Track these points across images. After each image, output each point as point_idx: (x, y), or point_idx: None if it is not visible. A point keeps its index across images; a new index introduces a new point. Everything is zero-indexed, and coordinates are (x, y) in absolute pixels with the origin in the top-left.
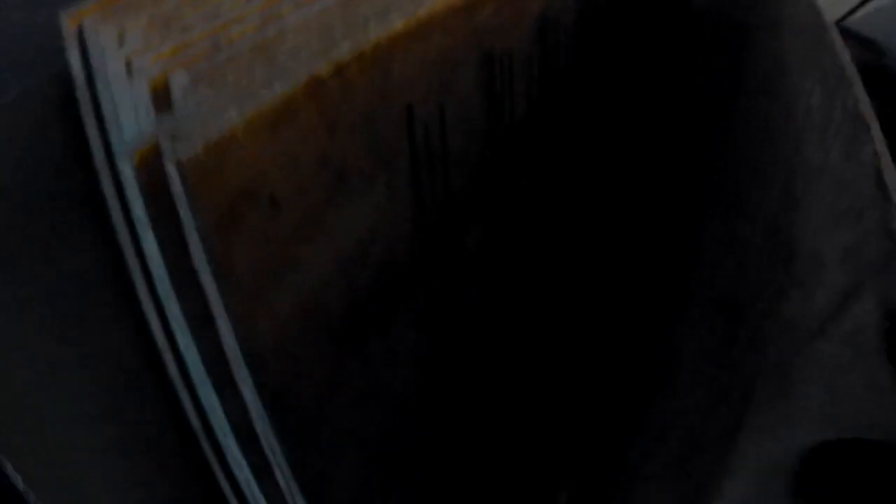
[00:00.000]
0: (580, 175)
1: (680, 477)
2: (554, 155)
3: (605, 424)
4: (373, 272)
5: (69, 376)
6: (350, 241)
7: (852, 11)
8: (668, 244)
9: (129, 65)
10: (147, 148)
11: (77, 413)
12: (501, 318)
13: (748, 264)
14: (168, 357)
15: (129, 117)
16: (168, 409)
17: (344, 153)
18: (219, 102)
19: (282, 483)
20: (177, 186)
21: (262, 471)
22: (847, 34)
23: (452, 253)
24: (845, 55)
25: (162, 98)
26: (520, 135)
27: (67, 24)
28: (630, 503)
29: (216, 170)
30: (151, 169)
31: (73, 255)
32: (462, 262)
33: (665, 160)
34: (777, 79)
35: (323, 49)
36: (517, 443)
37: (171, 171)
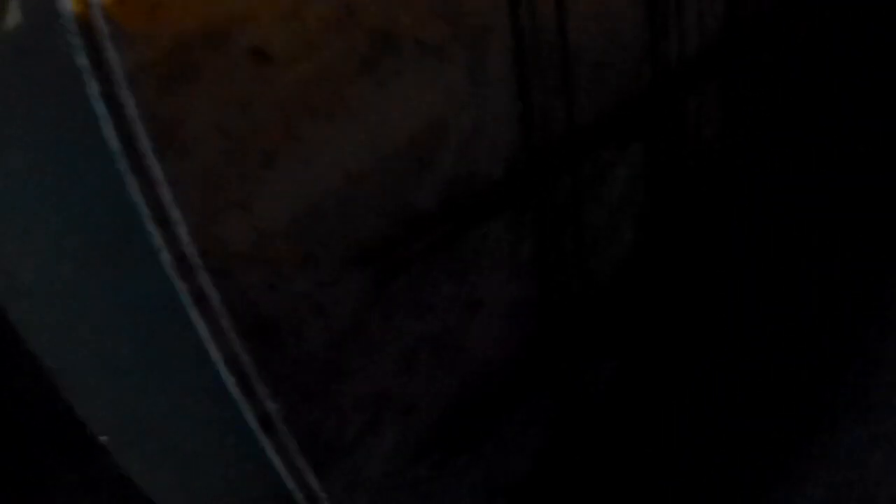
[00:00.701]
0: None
1: None
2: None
3: None
4: (440, 188)
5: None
6: (400, 136)
7: None
8: None
9: None
10: None
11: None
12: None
13: None
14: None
15: None
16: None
17: (390, 10)
18: None
19: (289, 446)
20: (100, 16)
21: (267, 425)
22: None
23: (574, 179)
24: None
25: None
26: (695, 69)
27: None
28: None
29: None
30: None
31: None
32: (589, 195)
33: None
34: None
35: None
36: None
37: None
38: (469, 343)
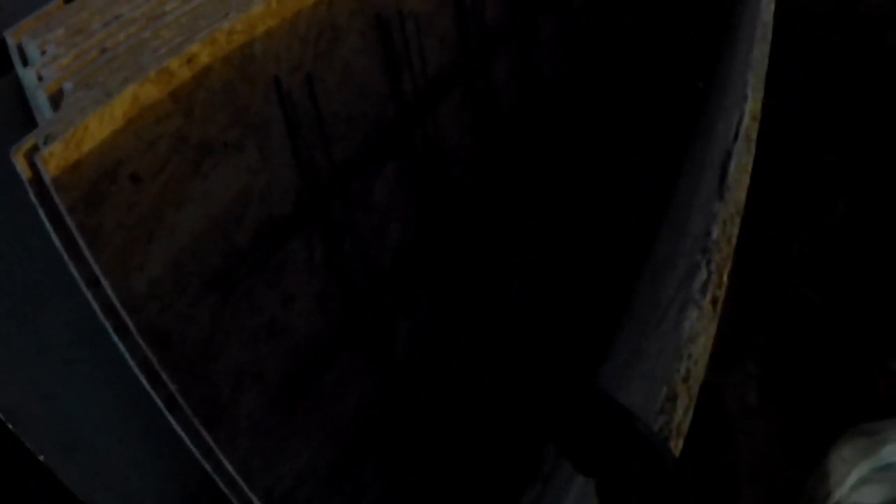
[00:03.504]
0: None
1: None
2: (472, 118)
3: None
4: (252, 228)
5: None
6: (222, 203)
7: None
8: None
9: (39, 75)
10: (27, 147)
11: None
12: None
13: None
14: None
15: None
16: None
17: (204, 129)
18: (84, 102)
19: (188, 412)
20: (45, 177)
21: (171, 404)
22: None
23: (349, 209)
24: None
25: (57, 102)
26: (430, 96)
27: (10, 40)
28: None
29: (75, 160)
30: (31, 164)
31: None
32: (362, 216)
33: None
34: None
35: (179, 43)
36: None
37: (41, 165)
38: (291, 326)
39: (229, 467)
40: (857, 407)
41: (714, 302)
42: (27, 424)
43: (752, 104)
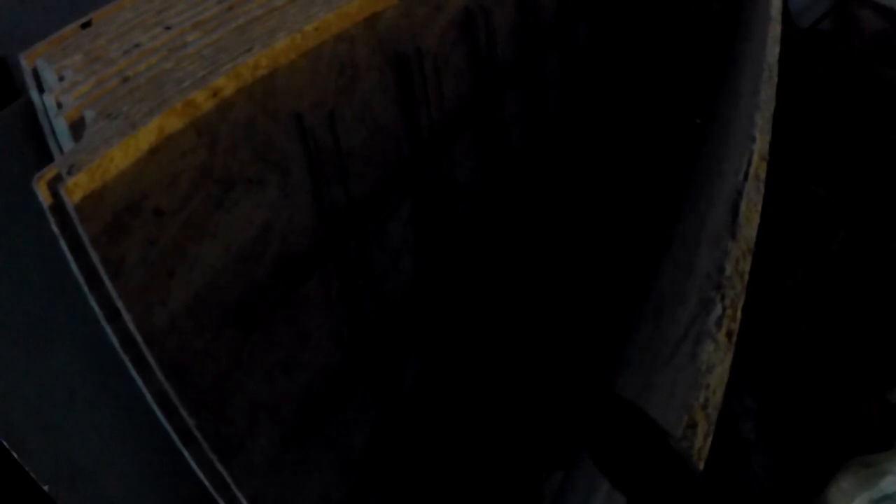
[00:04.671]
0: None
1: None
2: (485, 157)
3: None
4: (272, 264)
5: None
6: (243, 240)
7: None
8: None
9: (58, 101)
10: (51, 176)
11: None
12: (419, 311)
13: (677, 267)
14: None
15: (65, 146)
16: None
17: (227, 164)
18: (108, 132)
19: (205, 450)
20: (70, 208)
21: (187, 438)
22: (867, 4)
23: (366, 247)
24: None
25: (78, 130)
26: (443, 138)
27: (25, 63)
28: None
29: (100, 191)
30: (54, 193)
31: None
32: (380, 256)
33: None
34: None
35: (203, 75)
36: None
37: (64, 195)
38: (306, 362)
39: (244, 502)
40: (853, 438)
41: (729, 335)
42: (32, 454)
43: (761, 144)
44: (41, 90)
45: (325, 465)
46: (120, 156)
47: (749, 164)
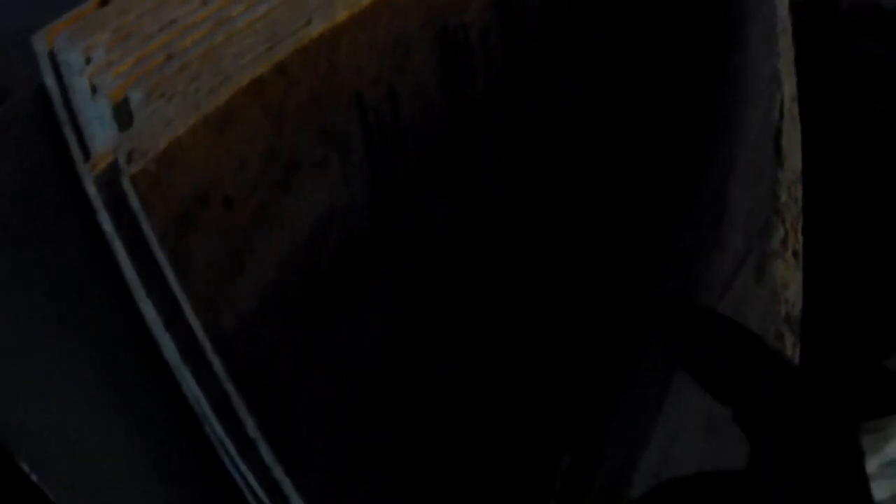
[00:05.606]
0: (551, 154)
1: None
2: (523, 132)
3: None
4: (333, 253)
5: (70, 368)
6: (307, 226)
7: None
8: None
9: (92, 83)
10: (105, 165)
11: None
12: (473, 291)
13: (700, 225)
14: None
15: (99, 133)
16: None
17: (293, 145)
18: (168, 113)
19: (265, 457)
20: (133, 200)
21: (245, 446)
22: None
23: (416, 227)
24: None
25: (123, 113)
26: (485, 111)
27: (40, 45)
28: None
29: (169, 180)
30: (110, 184)
31: (67, 257)
32: (428, 236)
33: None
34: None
35: (265, 50)
36: (505, 410)
37: (127, 186)
38: (363, 353)
39: None
40: (857, 405)
41: (795, 255)
42: (49, 472)
43: (788, 87)
44: (58, 75)
45: (375, 463)
46: (188, 139)
47: (782, 104)
